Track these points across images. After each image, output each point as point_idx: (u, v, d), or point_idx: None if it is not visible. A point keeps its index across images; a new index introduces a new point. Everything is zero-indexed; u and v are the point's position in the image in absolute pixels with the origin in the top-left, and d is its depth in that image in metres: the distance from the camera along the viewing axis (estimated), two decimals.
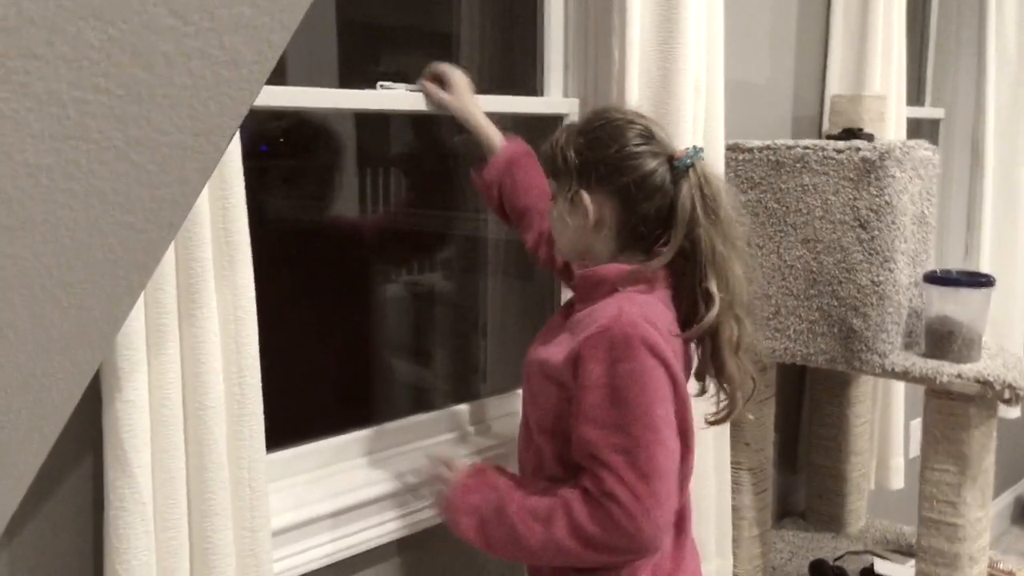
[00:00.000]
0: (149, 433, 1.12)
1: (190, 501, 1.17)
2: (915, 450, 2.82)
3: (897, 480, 2.43)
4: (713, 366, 1.26)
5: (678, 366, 1.19)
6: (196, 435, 1.16)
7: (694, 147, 1.26)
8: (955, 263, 2.96)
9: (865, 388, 2.27)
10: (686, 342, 1.25)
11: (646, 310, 1.19)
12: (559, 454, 1.25)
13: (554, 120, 1.85)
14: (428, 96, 1.53)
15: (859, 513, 2.34)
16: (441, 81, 1.54)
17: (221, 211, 1.17)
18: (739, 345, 1.26)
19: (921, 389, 1.81)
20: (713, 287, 1.22)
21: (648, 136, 1.26)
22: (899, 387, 2.41)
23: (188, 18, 0.62)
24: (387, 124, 2.00)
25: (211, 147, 0.71)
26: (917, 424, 2.83)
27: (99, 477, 1.14)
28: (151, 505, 1.13)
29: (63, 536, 1.17)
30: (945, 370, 1.73)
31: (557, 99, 1.85)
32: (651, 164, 1.23)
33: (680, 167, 1.23)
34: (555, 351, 1.23)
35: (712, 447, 1.83)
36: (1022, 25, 2.87)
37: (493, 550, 1.25)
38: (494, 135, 1.53)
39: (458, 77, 1.53)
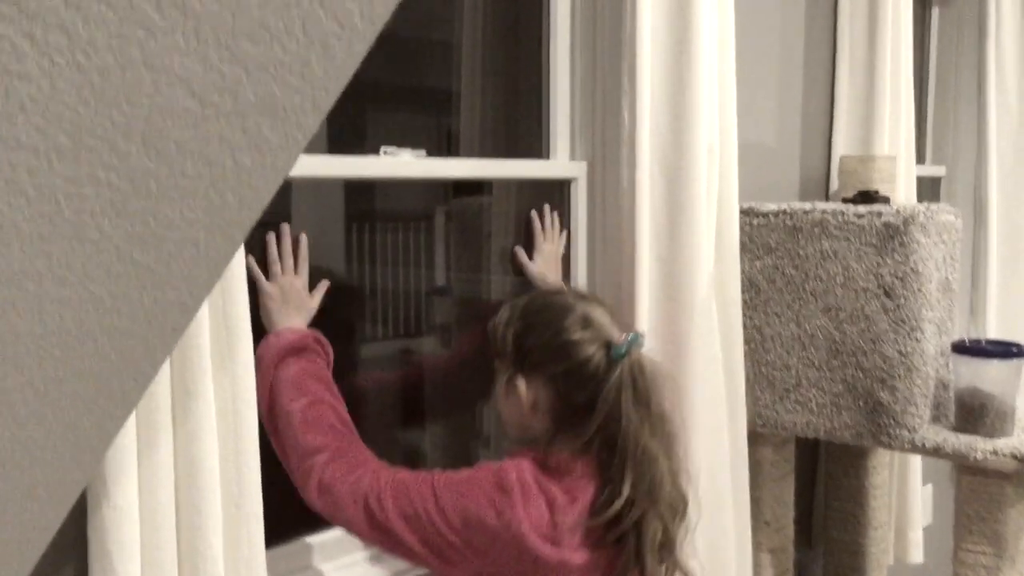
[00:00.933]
0: (139, 543, 1.01)
1: None
2: (928, 518, 2.72)
3: (916, 553, 2.33)
4: (636, 566, 1.18)
5: (531, 531, 1.12)
6: (190, 543, 1.05)
7: (634, 334, 1.21)
8: (960, 326, 2.89)
9: (883, 458, 2.18)
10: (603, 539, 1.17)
11: (535, 483, 1.16)
12: None
13: (561, 184, 1.76)
14: (515, 257, 1.63)
15: None
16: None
17: (220, 293, 1.07)
18: (663, 547, 1.20)
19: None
20: (625, 485, 1.16)
21: (586, 322, 1.21)
22: (916, 455, 2.32)
23: (207, 99, 0.52)
24: (373, 187, 1.91)
25: (226, 243, 0.62)
26: (929, 490, 2.74)
27: None
28: None
29: None
30: (979, 446, 1.64)
31: (564, 162, 1.77)
32: (586, 352, 1.19)
33: (615, 356, 1.19)
34: None
35: (732, 527, 1.72)
36: (1023, 76, 2.84)
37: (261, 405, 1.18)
38: None
39: (548, 249, 1.64)
